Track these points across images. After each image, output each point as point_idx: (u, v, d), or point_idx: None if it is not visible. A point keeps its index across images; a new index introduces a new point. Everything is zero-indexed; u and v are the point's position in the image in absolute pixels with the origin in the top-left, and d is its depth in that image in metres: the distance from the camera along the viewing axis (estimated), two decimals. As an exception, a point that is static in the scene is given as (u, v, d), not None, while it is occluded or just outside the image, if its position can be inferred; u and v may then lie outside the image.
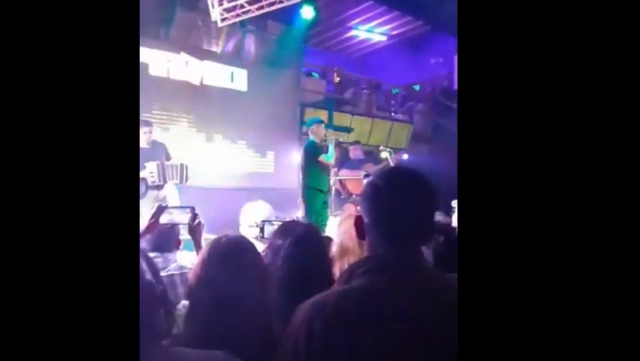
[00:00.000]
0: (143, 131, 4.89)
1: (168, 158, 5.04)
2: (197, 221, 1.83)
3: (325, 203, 4.95)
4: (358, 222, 1.01)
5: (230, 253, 1.22)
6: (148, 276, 0.92)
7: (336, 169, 5.75)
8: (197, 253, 1.74)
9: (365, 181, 1.32)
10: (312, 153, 4.94)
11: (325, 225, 4.80)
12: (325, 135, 4.98)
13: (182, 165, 5.04)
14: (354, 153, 5.87)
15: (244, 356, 0.97)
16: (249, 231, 2.44)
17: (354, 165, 5.81)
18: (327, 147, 4.96)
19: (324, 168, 4.97)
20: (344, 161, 6.06)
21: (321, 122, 5.09)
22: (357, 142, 6.49)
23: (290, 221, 1.76)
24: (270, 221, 1.91)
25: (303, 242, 1.44)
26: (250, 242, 1.29)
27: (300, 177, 5.20)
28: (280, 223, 1.67)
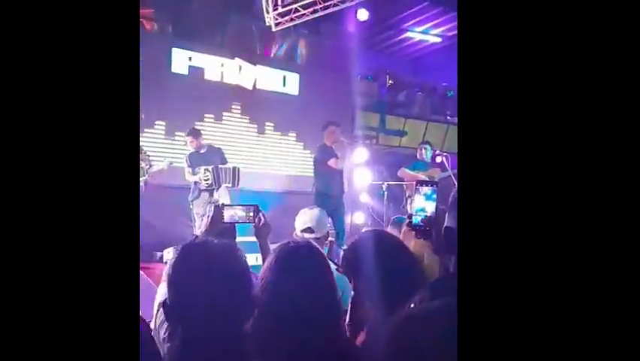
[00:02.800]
0: (189, 140, 5.03)
1: (224, 162, 5.12)
2: (262, 221, 1.74)
3: (337, 209, 4.67)
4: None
5: (302, 261, 1.16)
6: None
7: (403, 168, 5.54)
8: (264, 256, 1.67)
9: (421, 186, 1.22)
10: (321, 157, 4.81)
11: (341, 230, 4.67)
12: (338, 139, 4.79)
13: (234, 168, 5.11)
14: (420, 153, 5.56)
15: None
16: (303, 236, 2.42)
17: (420, 166, 5.52)
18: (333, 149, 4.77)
19: (334, 172, 4.76)
20: (410, 161, 5.78)
21: (338, 126, 4.88)
22: (427, 142, 6.01)
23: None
24: (230, 205, 1.82)
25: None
26: (320, 250, 1.21)
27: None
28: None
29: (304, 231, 2.45)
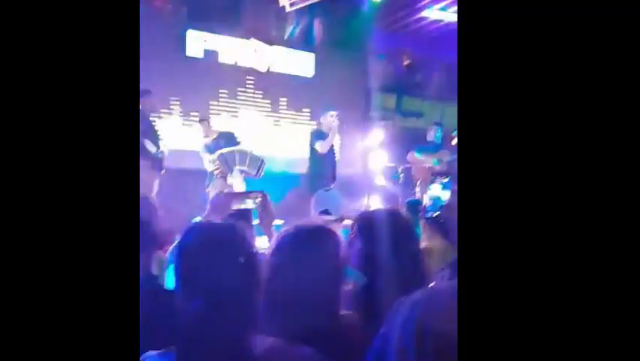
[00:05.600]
0: (199, 127, 5.08)
1: (235, 144, 5.15)
2: (267, 205, 1.76)
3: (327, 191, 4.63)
4: None
5: (308, 240, 1.17)
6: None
7: (412, 152, 5.47)
8: (268, 239, 1.70)
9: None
10: (312, 140, 4.84)
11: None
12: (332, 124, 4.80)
13: (261, 160, 5.14)
14: (430, 135, 5.43)
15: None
16: (320, 219, 2.41)
17: (429, 149, 5.42)
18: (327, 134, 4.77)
19: (323, 156, 4.79)
20: (419, 143, 5.69)
21: (333, 112, 4.88)
22: (438, 123, 5.83)
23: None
24: (235, 193, 1.83)
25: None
26: (330, 230, 1.21)
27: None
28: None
29: (322, 213, 2.47)
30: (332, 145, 4.85)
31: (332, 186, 4.65)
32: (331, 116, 4.83)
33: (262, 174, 5.22)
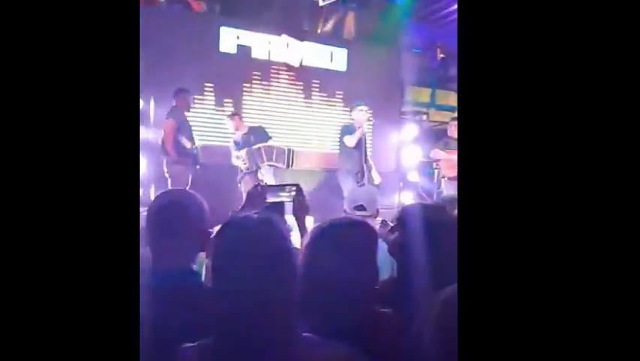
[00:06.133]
0: (228, 121, 5.12)
1: (265, 140, 5.16)
2: (302, 199, 1.74)
3: (362, 186, 4.52)
4: None
5: (346, 235, 1.16)
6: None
7: (436, 148, 5.34)
8: (301, 235, 1.67)
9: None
10: (342, 134, 4.80)
11: None
12: (363, 118, 4.76)
13: (288, 149, 5.15)
14: (452, 130, 5.21)
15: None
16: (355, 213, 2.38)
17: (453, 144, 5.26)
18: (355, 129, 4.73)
19: (351, 150, 4.74)
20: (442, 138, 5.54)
21: (364, 106, 4.84)
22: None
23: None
24: (271, 186, 1.80)
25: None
26: (367, 224, 1.18)
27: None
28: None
29: (356, 208, 2.44)
30: (360, 139, 4.77)
31: (364, 181, 4.61)
32: (360, 110, 4.78)
33: (292, 164, 5.20)
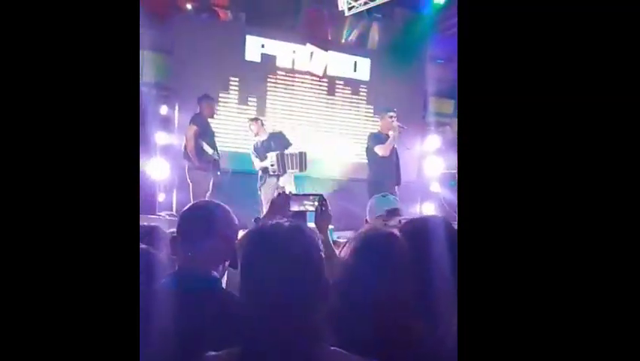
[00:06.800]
0: (250, 125, 5.15)
1: (287, 146, 5.16)
2: (325, 209, 1.73)
3: (385, 196, 4.40)
4: None
5: (380, 248, 1.11)
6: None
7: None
8: (322, 243, 1.66)
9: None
10: (370, 144, 4.59)
11: None
12: (392, 126, 4.57)
13: (301, 153, 5.14)
14: None
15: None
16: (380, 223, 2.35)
17: None
18: (386, 137, 4.55)
19: (386, 160, 4.54)
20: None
21: (393, 113, 4.67)
22: None
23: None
24: (297, 195, 1.77)
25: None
26: (403, 240, 1.15)
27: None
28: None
29: (378, 218, 2.40)
30: (394, 147, 4.64)
31: (397, 190, 4.52)
32: (390, 117, 4.64)
33: (306, 167, 5.15)
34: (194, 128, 4.78)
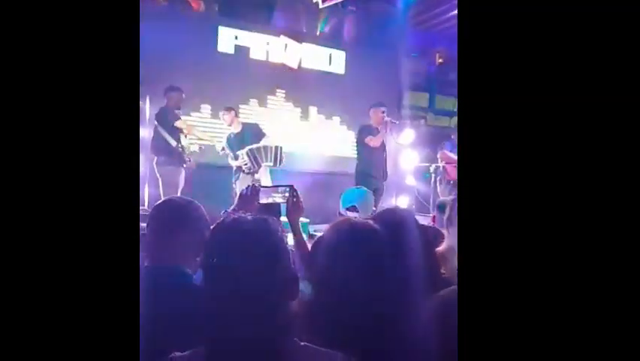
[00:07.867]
0: (222, 115, 5.07)
1: (261, 137, 5.10)
2: (296, 200, 1.70)
3: (376, 190, 4.46)
4: None
5: (355, 240, 1.10)
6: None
7: (443, 150, 5.34)
8: (295, 236, 1.63)
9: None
10: (361, 136, 4.68)
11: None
12: (383, 120, 4.66)
13: (276, 147, 5.09)
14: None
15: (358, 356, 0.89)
16: (347, 214, 2.36)
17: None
18: (378, 130, 4.65)
19: (375, 153, 4.65)
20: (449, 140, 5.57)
21: (384, 106, 4.75)
22: None
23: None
24: (265, 187, 1.75)
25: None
26: (374, 227, 1.14)
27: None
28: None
29: (348, 209, 2.40)
30: (383, 141, 4.73)
31: (384, 183, 4.58)
32: (382, 112, 4.71)
33: (283, 162, 5.12)
34: (157, 119, 4.70)
